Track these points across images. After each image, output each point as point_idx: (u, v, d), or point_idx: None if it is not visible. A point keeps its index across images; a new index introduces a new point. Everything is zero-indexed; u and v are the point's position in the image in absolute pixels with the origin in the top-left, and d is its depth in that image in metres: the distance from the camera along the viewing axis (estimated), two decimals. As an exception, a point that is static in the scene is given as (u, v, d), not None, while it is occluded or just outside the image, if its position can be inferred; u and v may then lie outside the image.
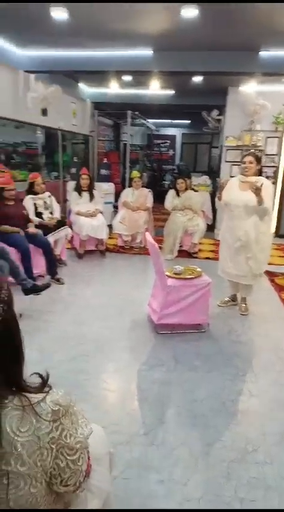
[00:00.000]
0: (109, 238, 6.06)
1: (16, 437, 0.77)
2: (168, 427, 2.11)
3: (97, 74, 5.95)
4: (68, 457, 0.85)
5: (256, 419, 2.21)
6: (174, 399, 2.37)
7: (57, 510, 0.88)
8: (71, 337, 3.06)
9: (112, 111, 9.09)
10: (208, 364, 2.76)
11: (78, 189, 5.49)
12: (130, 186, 6.29)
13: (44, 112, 5.89)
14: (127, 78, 6.71)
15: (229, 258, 3.54)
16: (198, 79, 6.44)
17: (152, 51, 5.35)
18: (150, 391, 2.43)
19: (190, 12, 3.86)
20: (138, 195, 6.01)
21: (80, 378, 2.50)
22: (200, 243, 5.90)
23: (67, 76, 7.02)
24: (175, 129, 13.48)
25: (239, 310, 3.69)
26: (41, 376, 0.91)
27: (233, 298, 3.82)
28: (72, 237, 5.25)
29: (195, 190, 6.43)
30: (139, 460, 1.87)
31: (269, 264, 5.43)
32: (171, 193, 5.90)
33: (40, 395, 0.85)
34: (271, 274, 4.89)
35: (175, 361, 2.77)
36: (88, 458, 1.01)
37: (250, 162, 3.36)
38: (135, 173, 6.18)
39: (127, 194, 6.07)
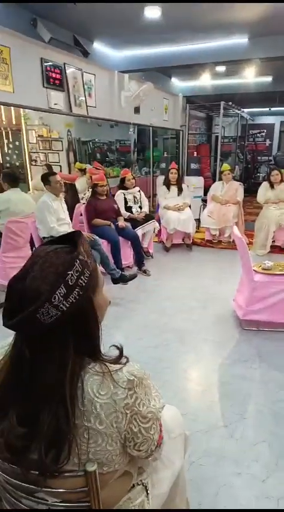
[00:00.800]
0: (197, 232, 6.07)
1: (96, 399, 0.87)
2: (248, 423, 2.09)
3: (191, 67, 5.98)
4: (141, 424, 0.94)
5: None
6: (256, 396, 2.32)
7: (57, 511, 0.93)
8: (154, 326, 3.20)
9: (204, 104, 9.02)
10: None
11: (167, 183, 5.61)
12: (220, 179, 6.20)
13: (137, 110, 6.14)
14: (221, 69, 6.61)
15: None
16: (298, 62, 6.02)
17: (247, 39, 5.18)
18: (231, 385, 2.42)
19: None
20: (228, 189, 5.89)
21: (161, 366, 2.61)
22: (296, 239, 5.54)
23: (160, 72, 7.20)
24: (273, 117, 12.76)
25: None
26: (118, 347, 1.00)
27: None
28: (159, 231, 5.41)
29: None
30: (217, 450, 1.90)
31: None
32: (264, 185, 5.65)
33: (118, 366, 0.95)
34: None
35: (260, 359, 2.70)
36: (161, 430, 1.08)
37: None
38: (226, 166, 6.07)
39: (216, 187, 6.00)
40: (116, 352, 1.00)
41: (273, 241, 5.43)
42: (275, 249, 5.42)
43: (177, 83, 8.15)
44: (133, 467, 1.06)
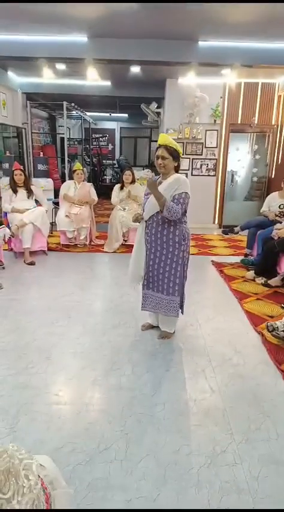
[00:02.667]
0: (51, 236, 5.74)
1: None
2: (130, 438, 1.94)
3: (27, 60, 5.53)
4: None
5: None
6: (134, 406, 2.20)
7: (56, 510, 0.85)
8: (12, 349, 2.76)
9: (46, 102, 8.64)
10: (167, 363, 2.65)
11: (13, 186, 5.07)
12: (71, 178, 6.00)
13: None
14: (61, 66, 6.38)
15: None
16: (135, 70, 6.30)
17: (87, 38, 5.09)
18: (107, 399, 2.25)
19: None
20: (81, 189, 5.75)
21: (27, 395, 2.24)
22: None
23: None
24: (113, 123, 13.28)
25: None
26: None
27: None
28: (10, 238, 4.85)
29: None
30: (103, 480, 1.69)
31: (216, 254, 5.54)
32: (116, 188, 5.76)
33: None
34: (219, 265, 4.94)
35: (131, 363, 2.61)
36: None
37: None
38: (79, 165, 5.89)
39: (68, 187, 5.77)
40: None
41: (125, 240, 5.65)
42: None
43: (15, 78, 7.55)
44: None
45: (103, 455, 1.82)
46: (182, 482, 1.69)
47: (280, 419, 2.10)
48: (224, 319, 3.38)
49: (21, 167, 5.26)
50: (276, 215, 4.82)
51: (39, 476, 0.89)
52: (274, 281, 4.03)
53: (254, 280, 4.28)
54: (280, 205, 4.92)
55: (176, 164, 2.73)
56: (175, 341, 2.97)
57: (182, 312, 2.96)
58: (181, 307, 2.91)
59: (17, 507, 0.75)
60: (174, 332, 3.03)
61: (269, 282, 4.07)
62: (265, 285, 4.08)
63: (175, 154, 2.68)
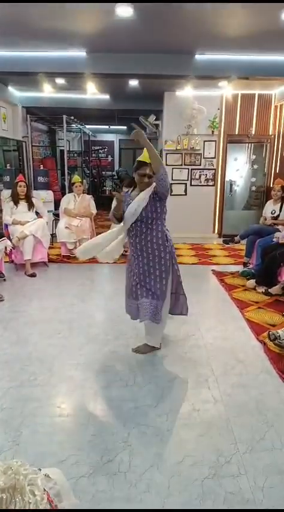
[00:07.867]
0: (51, 248, 5.76)
1: None
2: (134, 450, 1.93)
3: (27, 75, 5.63)
4: None
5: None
6: (138, 417, 2.19)
7: (58, 510, 0.84)
8: (15, 360, 2.76)
9: (46, 116, 8.75)
10: (169, 373, 2.64)
11: (15, 198, 5.12)
12: (70, 191, 6.05)
13: None
14: (61, 81, 6.48)
15: None
16: (133, 83, 6.41)
17: (85, 53, 5.19)
18: (111, 410, 2.24)
19: (124, 11, 3.78)
20: (81, 201, 5.79)
21: (30, 407, 2.23)
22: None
23: (-6, 78, 6.61)
24: (112, 135, 13.42)
25: None
26: None
27: None
28: (11, 250, 4.87)
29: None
30: (106, 493, 1.67)
31: (216, 264, 5.56)
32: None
33: None
34: (219, 274, 4.94)
35: (134, 376, 2.61)
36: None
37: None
38: (77, 178, 5.94)
39: (68, 200, 5.81)
40: None
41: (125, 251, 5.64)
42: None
43: (15, 92, 7.66)
44: None
45: (107, 467, 1.81)
46: (186, 494, 1.67)
47: None
48: (226, 329, 3.38)
49: (25, 179, 5.31)
50: (266, 221, 5.11)
51: (45, 490, 0.89)
52: (275, 289, 4.04)
53: (255, 289, 4.28)
54: (272, 211, 5.05)
55: None
56: (177, 351, 2.96)
57: (186, 313, 3.00)
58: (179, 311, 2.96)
59: None
60: (159, 347, 2.92)
61: (269, 290, 4.07)
62: (266, 293, 4.08)
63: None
